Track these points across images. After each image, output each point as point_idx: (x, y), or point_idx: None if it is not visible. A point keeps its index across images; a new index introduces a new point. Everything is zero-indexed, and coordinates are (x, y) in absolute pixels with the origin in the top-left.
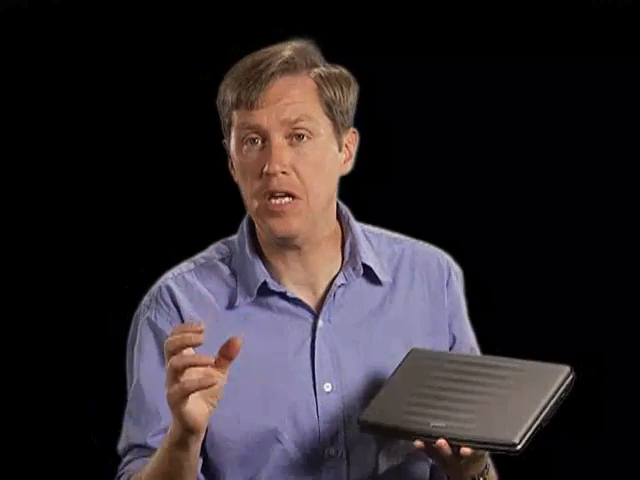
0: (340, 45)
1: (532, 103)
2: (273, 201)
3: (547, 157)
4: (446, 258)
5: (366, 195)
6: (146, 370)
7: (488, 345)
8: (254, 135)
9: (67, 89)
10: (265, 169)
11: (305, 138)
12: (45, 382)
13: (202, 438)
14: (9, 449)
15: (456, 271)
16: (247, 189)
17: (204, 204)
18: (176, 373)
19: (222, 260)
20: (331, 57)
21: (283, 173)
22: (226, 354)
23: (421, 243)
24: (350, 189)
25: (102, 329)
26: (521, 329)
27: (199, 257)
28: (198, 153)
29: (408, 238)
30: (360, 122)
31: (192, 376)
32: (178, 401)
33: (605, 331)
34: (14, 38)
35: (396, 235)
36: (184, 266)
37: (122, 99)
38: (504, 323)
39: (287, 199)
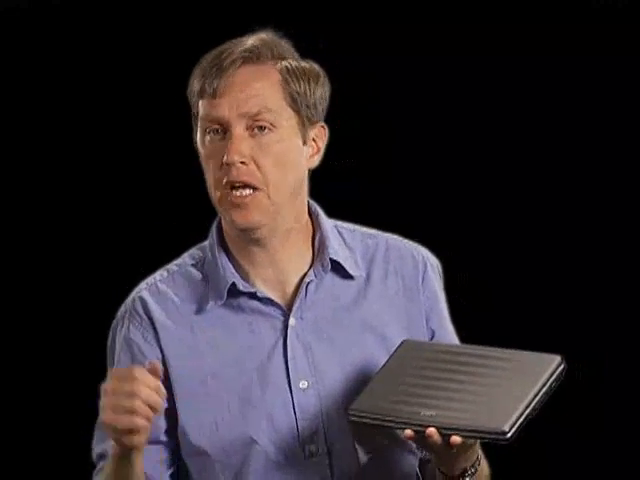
0: (340, 45)
1: (532, 103)
2: (234, 192)
3: (547, 157)
4: (421, 252)
5: (365, 194)
6: None
7: (486, 343)
8: (216, 126)
9: (66, 89)
10: (224, 159)
11: (266, 130)
12: (45, 382)
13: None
14: (9, 449)
15: (432, 265)
16: (209, 179)
17: (204, 204)
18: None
19: (194, 265)
20: (331, 57)
21: (242, 163)
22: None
23: (396, 237)
24: (350, 187)
25: (102, 329)
26: (520, 327)
27: (173, 265)
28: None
29: (382, 233)
30: (361, 122)
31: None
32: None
33: (605, 329)
34: (14, 38)
35: (370, 230)
36: (158, 274)
37: (120, 100)
38: (503, 321)
39: (248, 191)
